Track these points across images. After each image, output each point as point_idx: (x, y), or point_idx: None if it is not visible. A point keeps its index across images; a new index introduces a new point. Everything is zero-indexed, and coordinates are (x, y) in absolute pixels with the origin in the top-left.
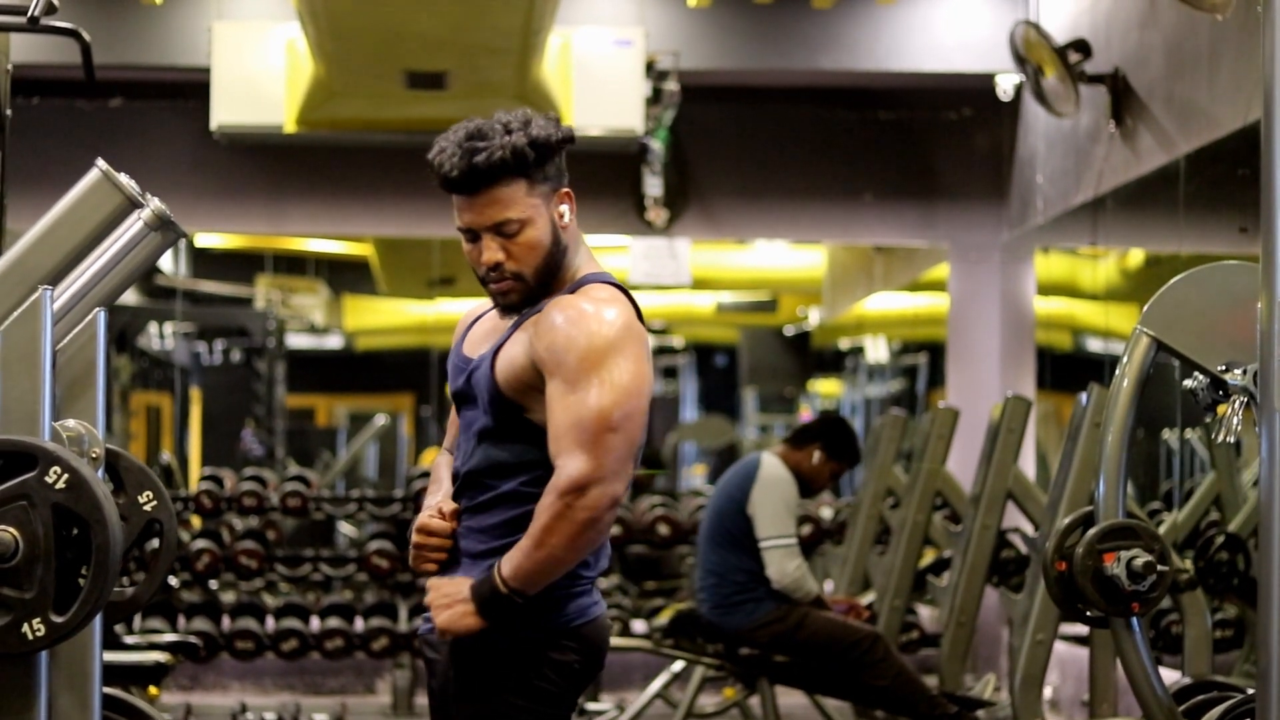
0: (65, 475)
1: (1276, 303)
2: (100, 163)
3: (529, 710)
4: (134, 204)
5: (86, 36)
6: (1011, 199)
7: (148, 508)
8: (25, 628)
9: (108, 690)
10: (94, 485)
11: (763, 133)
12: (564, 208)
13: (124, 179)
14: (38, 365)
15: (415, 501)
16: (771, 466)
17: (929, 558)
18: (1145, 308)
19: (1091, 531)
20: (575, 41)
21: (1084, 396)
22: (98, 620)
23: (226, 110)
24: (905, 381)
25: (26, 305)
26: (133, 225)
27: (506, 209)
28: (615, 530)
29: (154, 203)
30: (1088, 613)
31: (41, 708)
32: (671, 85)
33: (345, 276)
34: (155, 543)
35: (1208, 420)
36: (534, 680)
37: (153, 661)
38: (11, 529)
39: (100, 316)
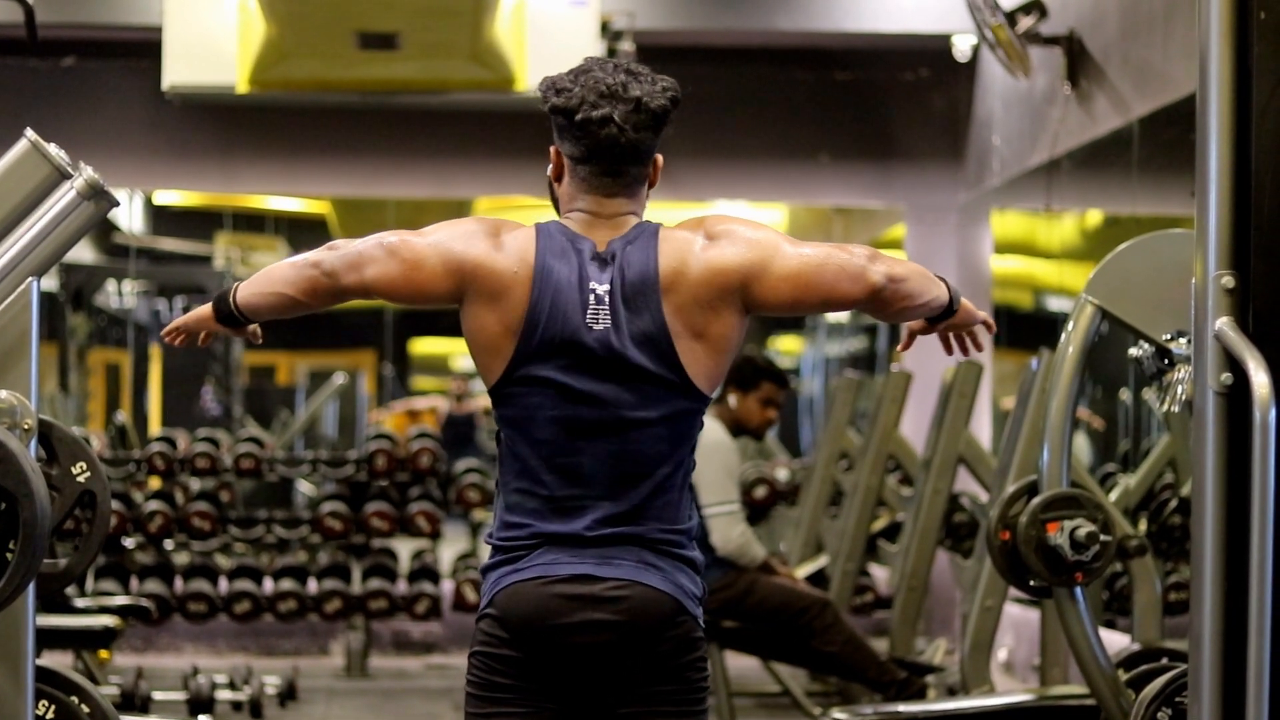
0: None
1: (1210, 276)
2: (29, 133)
3: (467, 696)
4: (63, 175)
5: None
6: (968, 160)
7: (81, 479)
8: None
9: (40, 663)
10: (21, 459)
11: (718, 94)
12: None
13: (53, 149)
14: None
15: (370, 462)
16: (710, 432)
17: (883, 521)
18: (1090, 276)
19: (1035, 501)
20: (529, 1)
21: (1034, 362)
22: (30, 593)
23: (179, 70)
24: (866, 340)
25: None
26: (65, 194)
27: None
28: None
29: (86, 172)
30: (1032, 582)
31: None
32: (626, 46)
33: (304, 234)
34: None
35: (1154, 388)
36: (468, 670)
37: (101, 626)
38: None
39: (34, 286)
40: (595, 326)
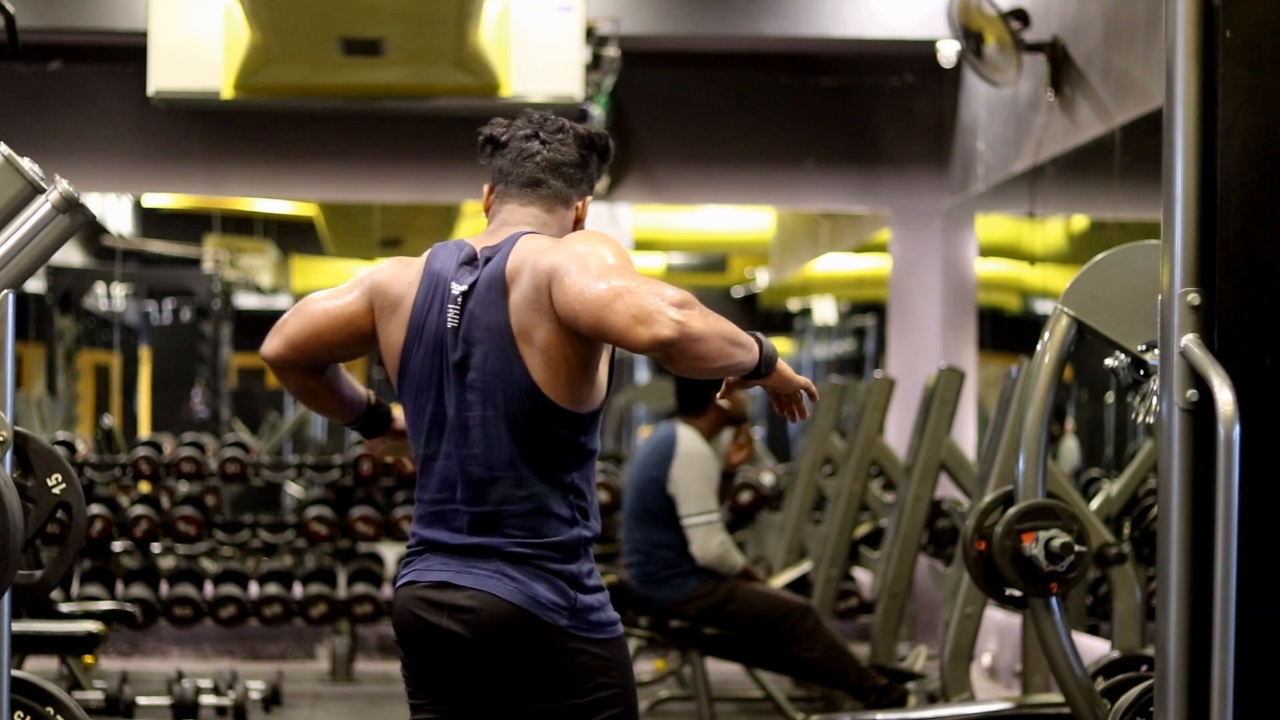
0: None
1: (1176, 293)
2: (2, 147)
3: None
4: (36, 189)
5: (10, 8)
6: (953, 165)
7: (56, 490)
8: None
9: (17, 674)
10: None
11: (704, 99)
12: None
13: (26, 163)
14: None
15: (356, 466)
16: (689, 442)
17: (866, 527)
18: (1066, 287)
19: (1010, 511)
20: (514, 7)
21: (1014, 369)
22: (5, 604)
23: (164, 75)
24: (854, 342)
25: None
26: (40, 208)
27: None
28: None
29: (61, 185)
30: (1008, 592)
31: None
32: (611, 51)
33: (293, 237)
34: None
35: (1129, 399)
36: None
37: (85, 631)
38: None
39: (9, 299)
40: (449, 324)
